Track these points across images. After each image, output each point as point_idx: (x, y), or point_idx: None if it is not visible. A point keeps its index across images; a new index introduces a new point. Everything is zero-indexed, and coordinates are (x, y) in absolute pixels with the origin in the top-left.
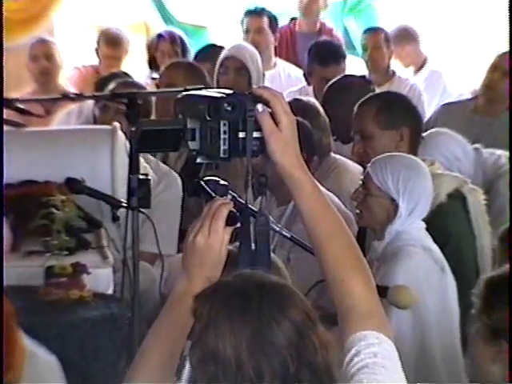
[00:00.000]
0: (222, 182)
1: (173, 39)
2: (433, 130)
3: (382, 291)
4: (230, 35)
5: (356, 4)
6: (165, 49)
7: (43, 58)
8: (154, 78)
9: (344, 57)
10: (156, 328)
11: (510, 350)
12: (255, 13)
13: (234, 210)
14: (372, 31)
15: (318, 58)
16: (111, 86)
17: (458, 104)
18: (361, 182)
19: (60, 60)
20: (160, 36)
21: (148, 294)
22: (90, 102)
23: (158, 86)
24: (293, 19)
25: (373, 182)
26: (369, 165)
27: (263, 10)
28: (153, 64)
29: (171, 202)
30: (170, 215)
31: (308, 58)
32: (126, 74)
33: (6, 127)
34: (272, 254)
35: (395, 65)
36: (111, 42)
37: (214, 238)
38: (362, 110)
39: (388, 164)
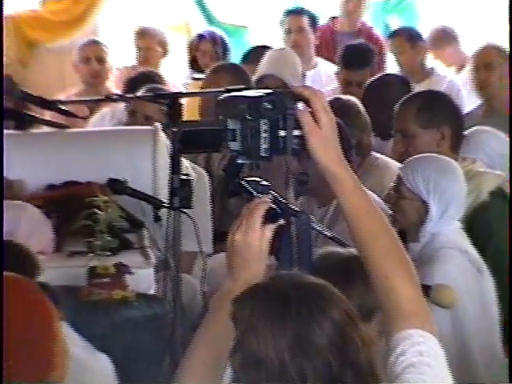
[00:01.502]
0: (263, 182)
1: (214, 39)
2: (475, 127)
3: (425, 290)
4: (270, 35)
5: (399, 2)
6: (206, 49)
7: (95, 60)
8: (194, 78)
9: (369, 62)
10: (202, 330)
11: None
12: (295, 13)
13: (275, 207)
14: (393, 36)
15: (343, 61)
16: (140, 92)
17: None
18: (393, 184)
19: (110, 62)
20: (201, 36)
21: (191, 304)
22: (123, 105)
23: (201, 89)
24: (333, 18)
25: (404, 184)
26: (400, 167)
27: (303, 9)
28: (194, 64)
29: (203, 200)
30: (203, 212)
31: (337, 60)
32: (153, 72)
33: (49, 128)
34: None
35: (438, 66)
36: (141, 33)
37: (252, 235)
38: (403, 109)
39: (419, 166)
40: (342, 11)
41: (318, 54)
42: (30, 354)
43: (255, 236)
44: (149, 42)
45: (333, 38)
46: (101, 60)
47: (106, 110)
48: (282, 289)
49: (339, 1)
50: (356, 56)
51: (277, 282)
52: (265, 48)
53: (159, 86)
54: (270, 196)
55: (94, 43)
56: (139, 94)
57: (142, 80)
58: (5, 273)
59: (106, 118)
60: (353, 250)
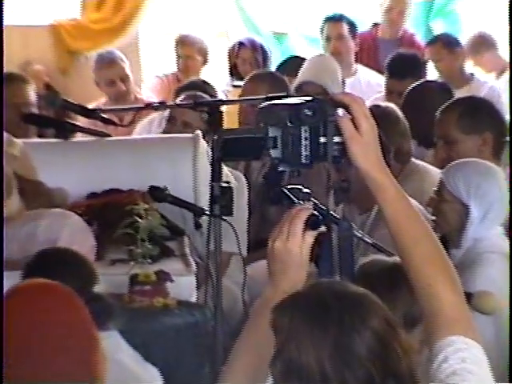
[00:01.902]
0: (304, 189)
1: (254, 47)
2: None
3: (466, 297)
4: (310, 42)
5: (443, 6)
6: (246, 56)
7: (120, 82)
8: (234, 86)
9: (415, 73)
10: (243, 337)
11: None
12: (335, 19)
13: (316, 214)
14: (431, 43)
15: (388, 70)
16: (179, 98)
17: None
18: (435, 189)
19: (131, 75)
20: (241, 43)
21: (231, 312)
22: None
23: (240, 97)
24: (375, 25)
25: (445, 187)
26: (442, 171)
27: (342, 16)
28: (234, 71)
29: (240, 202)
30: (240, 217)
31: (384, 68)
32: (204, 81)
33: (90, 136)
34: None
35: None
36: (181, 41)
37: (293, 242)
38: (445, 116)
39: (460, 169)
40: (384, 19)
41: (359, 60)
42: (69, 361)
43: (296, 242)
44: (189, 51)
45: (374, 45)
46: (125, 79)
47: (154, 115)
48: (323, 297)
49: (381, 9)
50: (401, 66)
51: (317, 289)
52: (302, 60)
53: (199, 93)
54: (311, 203)
55: (114, 63)
56: (179, 101)
57: (191, 88)
58: (41, 279)
59: (153, 124)
60: (397, 258)
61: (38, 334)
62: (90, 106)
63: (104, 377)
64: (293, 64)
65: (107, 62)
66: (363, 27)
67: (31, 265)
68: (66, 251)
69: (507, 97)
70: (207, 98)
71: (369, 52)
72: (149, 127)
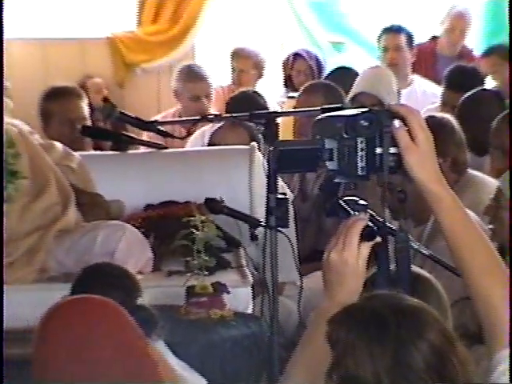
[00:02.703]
0: (360, 201)
1: (309, 58)
2: None
3: None
4: (366, 52)
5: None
6: (301, 67)
7: (204, 98)
8: (289, 97)
9: (470, 87)
10: (299, 349)
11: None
12: (393, 31)
13: (371, 225)
14: (485, 56)
15: (446, 81)
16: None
17: None
18: (492, 196)
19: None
20: (296, 54)
21: (287, 324)
22: (210, 130)
23: (295, 108)
24: (433, 38)
25: (503, 194)
26: (500, 179)
27: (401, 27)
28: (288, 83)
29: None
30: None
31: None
32: (256, 92)
33: (147, 149)
34: (419, 269)
35: None
36: (237, 54)
37: (349, 253)
38: (502, 125)
39: None
40: (444, 37)
41: (415, 71)
42: (121, 373)
43: (352, 253)
44: (244, 64)
45: (432, 58)
46: (209, 96)
47: (206, 127)
48: (379, 310)
49: (442, 27)
50: (460, 78)
51: (373, 302)
52: (349, 70)
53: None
54: (367, 215)
55: (204, 80)
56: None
57: (243, 100)
58: (89, 295)
59: (205, 136)
60: (421, 271)
61: (84, 348)
62: (157, 116)
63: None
64: (342, 74)
65: (197, 77)
66: (420, 37)
67: (77, 280)
68: (110, 265)
69: None
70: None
71: (426, 64)
72: (200, 140)
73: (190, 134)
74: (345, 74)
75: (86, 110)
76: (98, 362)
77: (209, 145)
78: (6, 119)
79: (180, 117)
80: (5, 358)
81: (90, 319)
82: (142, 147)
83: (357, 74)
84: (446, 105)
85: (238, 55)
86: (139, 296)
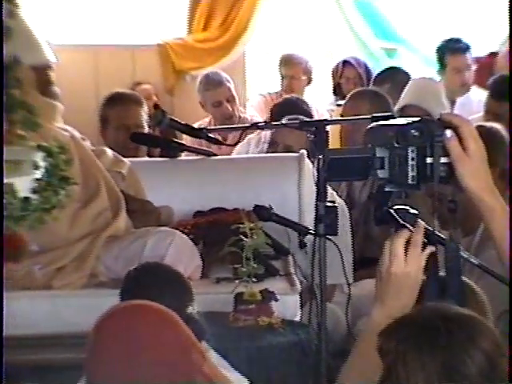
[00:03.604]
0: (411, 210)
1: (358, 65)
2: None
3: None
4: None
5: None
6: (350, 75)
7: (226, 102)
8: (338, 105)
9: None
10: (351, 361)
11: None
12: (461, 50)
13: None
14: None
15: (489, 90)
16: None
17: None
18: None
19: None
20: (345, 62)
21: (335, 332)
22: (268, 133)
23: (341, 115)
24: (492, 54)
25: None
26: None
27: (467, 46)
28: (338, 90)
29: (344, 228)
30: (344, 243)
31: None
32: (299, 99)
33: (197, 156)
34: (467, 280)
35: None
36: (287, 61)
37: (413, 266)
38: None
39: None
40: (504, 56)
41: (473, 81)
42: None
43: (415, 267)
44: (293, 71)
45: (490, 73)
46: (230, 100)
47: (252, 134)
48: (430, 319)
49: (503, 47)
50: (502, 87)
51: (424, 312)
52: (398, 70)
53: (301, 115)
54: (422, 227)
55: (221, 85)
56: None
57: (287, 106)
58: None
59: (251, 143)
60: None
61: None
62: (194, 125)
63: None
64: (391, 73)
65: (214, 84)
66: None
67: (130, 281)
68: (163, 268)
69: None
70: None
71: (483, 78)
72: (247, 147)
73: (239, 141)
74: (395, 74)
75: (145, 118)
76: (151, 370)
77: (269, 143)
78: (58, 124)
79: (215, 125)
80: (52, 363)
81: (145, 326)
82: (191, 154)
83: (407, 74)
84: (488, 113)
85: (288, 62)
86: (191, 304)
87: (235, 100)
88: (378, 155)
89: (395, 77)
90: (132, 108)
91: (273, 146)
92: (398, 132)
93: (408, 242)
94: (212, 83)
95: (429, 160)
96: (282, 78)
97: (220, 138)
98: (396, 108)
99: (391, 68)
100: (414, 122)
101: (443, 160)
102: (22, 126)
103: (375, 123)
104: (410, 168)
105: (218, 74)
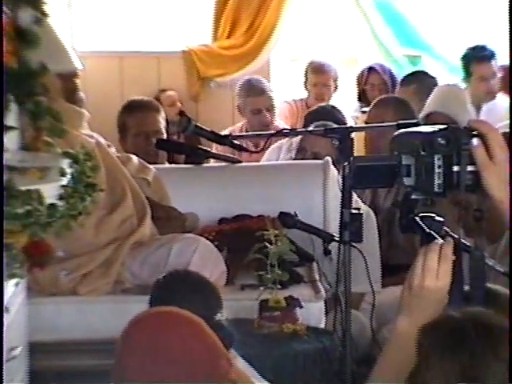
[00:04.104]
0: (437, 218)
1: (383, 72)
2: None
3: None
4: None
5: None
6: (375, 82)
7: (266, 111)
8: (363, 112)
9: None
10: (376, 370)
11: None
12: (487, 59)
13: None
14: None
15: None
16: (310, 127)
17: None
18: None
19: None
20: (370, 69)
21: (359, 339)
22: (298, 138)
23: (366, 122)
24: None
25: None
26: None
27: (492, 54)
28: (362, 97)
29: (371, 238)
30: (372, 250)
31: None
32: (333, 107)
33: (221, 163)
34: (498, 286)
35: None
36: (318, 69)
37: (444, 281)
38: None
39: None
40: None
41: (500, 89)
42: None
43: (447, 281)
44: (325, 78)
45: None
46: (270, 109)
47: (282, 141)
48: (462, 324)
49: None
50: None
51: (461, 316)
52: (425, 74)
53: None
54: (443, 232)
55: (264, 93)
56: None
57: (322, 114)
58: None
59: (282, 150)
60: None
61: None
62: (225, 131)
63: None
64: (417, 76)
65: (256, 91)
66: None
67: (160, 289)
68: (192, 276)
69: None
70: (334, 125)
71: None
72: (277, 154)
73: (264, 148)
74: (422, 76)
75: (163, 124)
76: (178, 376)
77: (298, 150)
78: (84, 131)
79: (246, 131)
80: (77, 369)
81: (173, 333)
82: (216, 160)
83: (433, 78)
84: None
85: (319, 69)
86: (220, 311)
87: (274, 109)
88: (404, 163)
89: (422, 79)
90: (150, 115)
91: (301, 153)
92: (424, 140)
93: (441, 258)
94: (254, 90)
95: (455, 168)
96: (312, 85)
97: (252, 145)
98: (421, 115)
99: (419, 71)
100: (440, 129)
101: (470, 168)
102: (49, 132)
103: (401, 130)
104: (436, 176)
105: (261, 82)
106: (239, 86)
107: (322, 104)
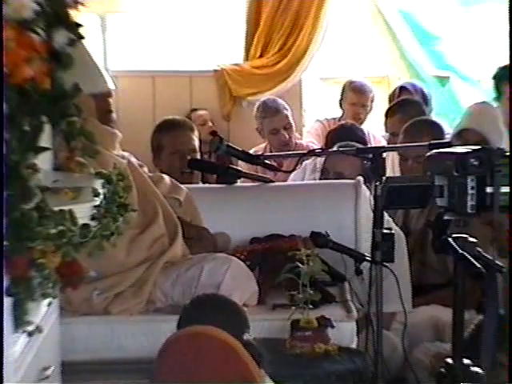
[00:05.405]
0: (470, 239)
1: (414, 91)
2: None
3: None
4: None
5: None
6: None
7: (283, 131)
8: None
9: None
10: None
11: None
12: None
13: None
14: None
15: None
16: (335, 146)
17: None
18: None
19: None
20: (402, 88)
21: (391, 359)
22: (322, 158)
23: (394, 142)
24: None
25: None
26: None
27: None
28: None
29: (401, 259)
30: (402, 271)
31: None
32: (354, 125)
33: (254, 182)
34: None
35: None
36: (358, 89)
37: None
38: None
39: None
40: None
41: None
42: None
43: None
44: (365, 99)
45: None
46: (288, 128)
47: (308, 161)
48: None
49: None
50: None
51: None
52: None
53: (357, 142)
54: (476, 253)
55: (279, 112)
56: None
57: (344, 132)
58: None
59: (307, 170)
60: None
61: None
62: (250, 151)
63: None
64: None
65: (271, 111)
66: None
67: (189, 311)
68: (220, 298)
69: None
70: (357, 145)
71: None
72: (303, 173)
73: (295, 168)
74: (405, 107)
75: (197, 143)
76: None
77: (321, 170)
78: (116, 151)
79: (270, 151)
80: None
81: (208, 353)
82: (248, 180)
83: (417, 105)
84: None
85: (359, 89)
86: (247, 331)
87: (292, 127)
88: (437, 183)
89: (406, 108)
90: (185, 134)
91: (324, 174)
92: (457, 161)
93: None
94: (269, 111)
95: (489, 189)
96: (350, 104)
97: (275, 165)
98: (453, 132)
99: (403, 100)
100: (473, 150)
101: (504, 189)
102: (82, 153)
103: (434, 151)
104: (469, 197)
105: (276, 102)
106: (256, 108)
107: (343, 122)
